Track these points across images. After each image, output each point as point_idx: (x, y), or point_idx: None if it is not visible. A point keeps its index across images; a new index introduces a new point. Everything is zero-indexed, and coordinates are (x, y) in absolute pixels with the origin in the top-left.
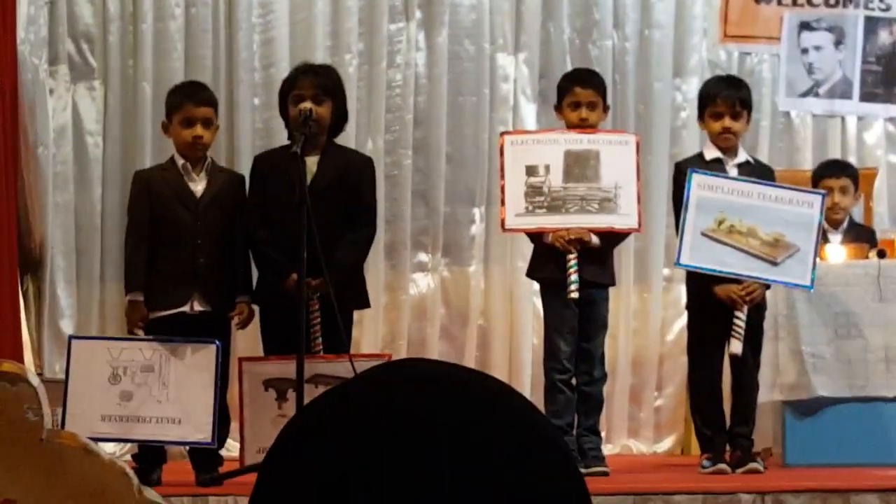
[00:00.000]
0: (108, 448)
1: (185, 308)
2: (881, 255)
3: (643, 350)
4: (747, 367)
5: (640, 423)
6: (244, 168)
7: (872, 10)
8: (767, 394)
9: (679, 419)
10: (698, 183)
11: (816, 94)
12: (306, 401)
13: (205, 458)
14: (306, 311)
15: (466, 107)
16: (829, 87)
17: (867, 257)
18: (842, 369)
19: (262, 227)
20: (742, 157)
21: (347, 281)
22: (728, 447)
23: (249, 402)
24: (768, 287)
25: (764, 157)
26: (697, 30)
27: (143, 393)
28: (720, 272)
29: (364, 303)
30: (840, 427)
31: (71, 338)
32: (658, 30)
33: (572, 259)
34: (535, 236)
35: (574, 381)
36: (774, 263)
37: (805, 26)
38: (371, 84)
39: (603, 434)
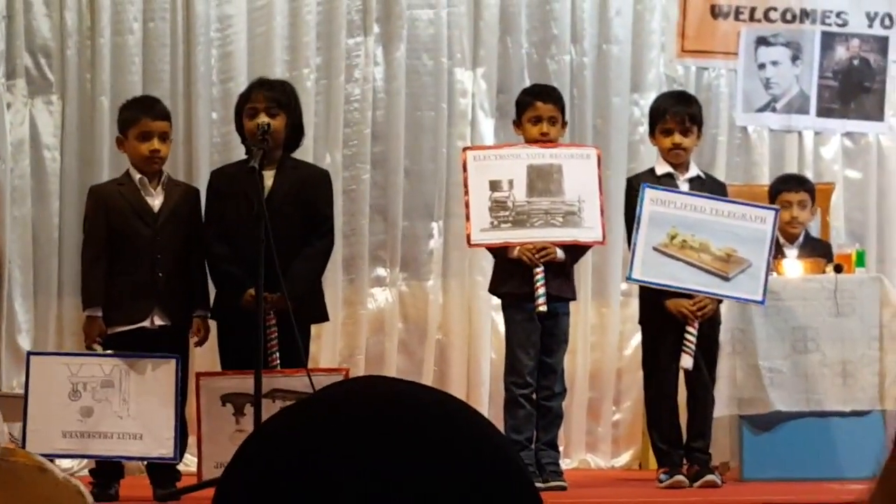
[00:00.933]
0: (64, 463)
1: (146, 323)
2: (838, 269)
3: (601, 364)
4: (701, 381)
5: (598, 438)
6: (202, 182)
7: (829, 25)
8: (725, 408)
9: (637, 434)
10: (651, 198)
11: (773, 109)
12: (264, 416)
13: (163, 474)
14: (263, 326)
15: (425, 121)
16: (786, 103)
17: (824, 272)
18: (799, 384)
19: (220, 243)
20: (693, 171)
21: (305, 294)
22: (686, 461)
23: (207, 417)
24: (720, 302)
25: (721, 172)
26: (655, 45)
27: (104, 409)
28: (672, 287)
29: (323, 316)
30: (797, 441)
31: (29, 354)
32: (616, 45)
33: (539, 273)
34: (498, 251)
35: (534, 395)
36: (726, 278)
37: (762, 41)
38: (329, 98)
39: (561, 448)
